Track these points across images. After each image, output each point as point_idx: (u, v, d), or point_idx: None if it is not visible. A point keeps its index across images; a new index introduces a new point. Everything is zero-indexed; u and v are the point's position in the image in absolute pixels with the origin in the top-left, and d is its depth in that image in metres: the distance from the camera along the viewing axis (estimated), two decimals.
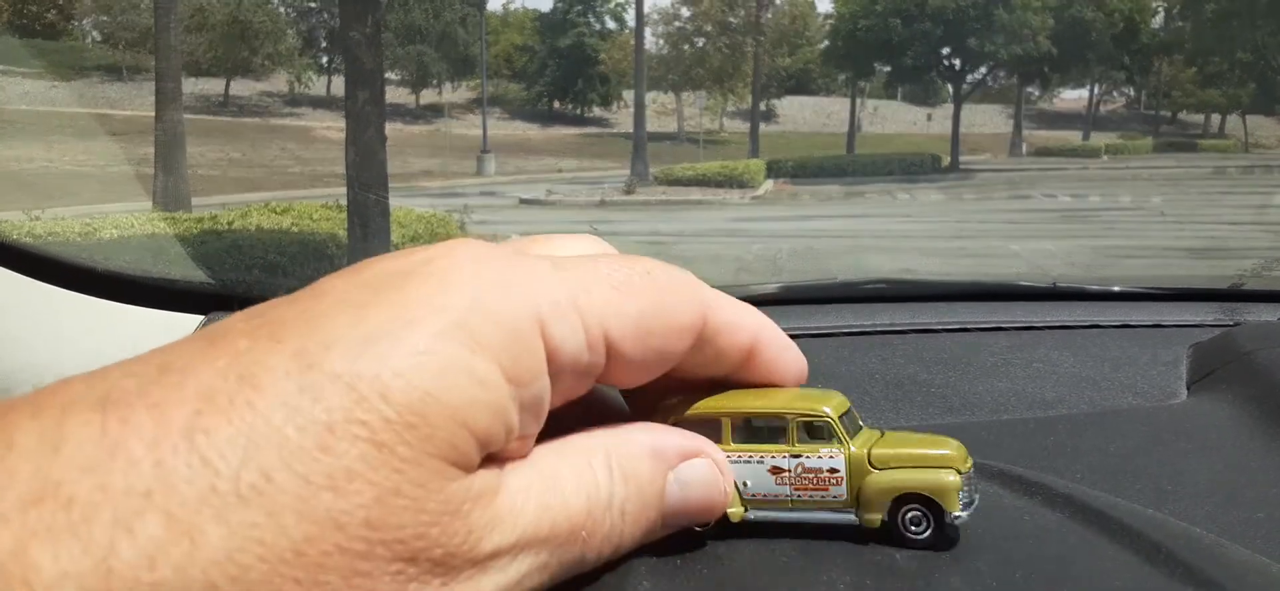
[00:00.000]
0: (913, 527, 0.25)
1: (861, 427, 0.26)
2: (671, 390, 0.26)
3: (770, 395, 0.26)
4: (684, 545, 0.25)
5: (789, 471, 0.25)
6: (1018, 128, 17.20)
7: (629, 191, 10.37)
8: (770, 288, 0.64)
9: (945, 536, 0.25)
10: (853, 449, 0.25)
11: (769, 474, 0.25)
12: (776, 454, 0.25)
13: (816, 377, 0.28)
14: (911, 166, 13.75)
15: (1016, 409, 0.45)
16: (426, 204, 6.24)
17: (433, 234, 4.32)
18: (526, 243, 0.26)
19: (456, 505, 0.20)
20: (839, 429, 0.25)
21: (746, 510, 0.26)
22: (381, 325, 0.20)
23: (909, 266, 5.26)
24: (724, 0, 15.92)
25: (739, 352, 0.26)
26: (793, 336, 0.27)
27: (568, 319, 0.22)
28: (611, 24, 18.47)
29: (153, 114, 4.94)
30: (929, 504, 0.24)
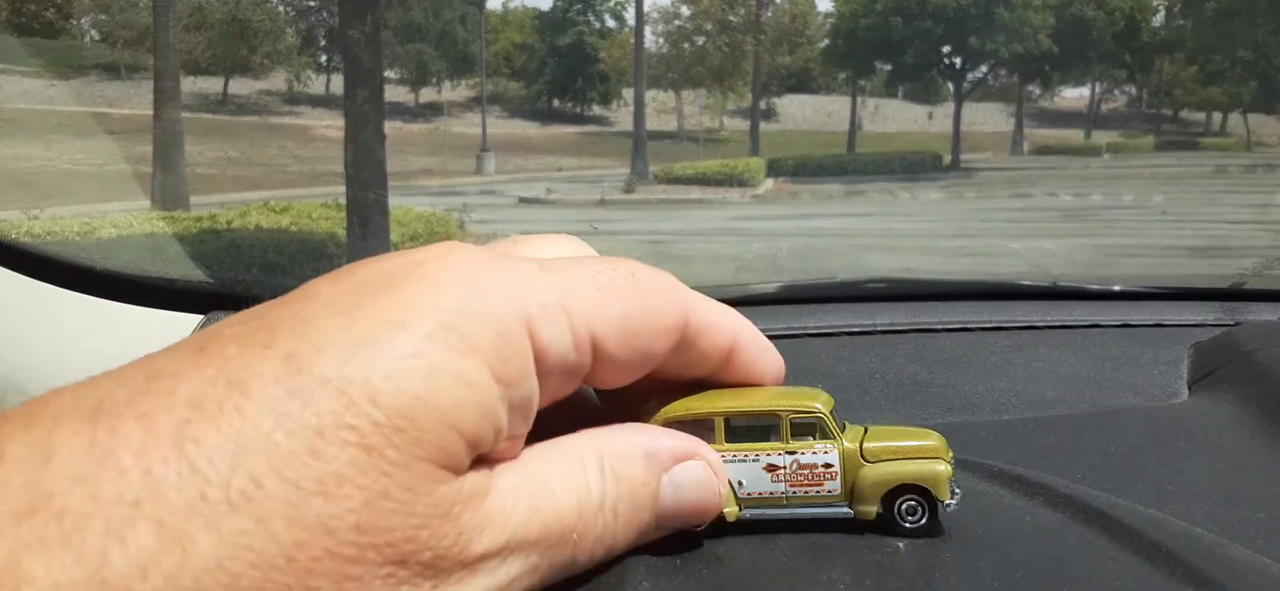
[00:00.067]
0: (908, 517, 0.25)
1: (845, 424, 0.27)
2: (652, 391, 0.26)
3: (756, 394, 0.27)
4: (682, 545, 0.25)
5: (784, 468, 0.26)
6: (1019, 126, 17.19)
7: (629, 190, 10.36)
8: (770, 287, 0.64)
9: (938, 524, 0.26)
10: (846, 444, 0.26)
11: (764, 471, 0.26)
12: (771, 451, 0.26)
13: (817, 377, 0.28)
14: (912, 165, 13.73)
15: (1017, 408, 0.45)
16: (426, 202, 6.24)
17: (432, 233, 4.32)
18: (510, 245, 0.27)
19: (446, 507, 0.20)
20: (832, 424, 0.26)
21: (742, 508, 0.26)
22: (370, 329, 0.20)
23: (909, 265, 5.26)
24: None
25: (719, 353, 0.26)
26: (793, 336, 0.27)
27: (555, 320, 0.22)
28: (611, 22, 18.46)
29: (151, 113, 4.94)
30: (923, 493, 0.25)
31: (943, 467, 0.25)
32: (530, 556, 0.22)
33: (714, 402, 0.26)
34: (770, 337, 0.28)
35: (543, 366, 0.22)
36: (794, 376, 0.29)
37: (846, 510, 0.26)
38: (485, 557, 0.21)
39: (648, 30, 15.33)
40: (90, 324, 0.53)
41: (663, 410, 0.26)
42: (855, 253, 6.13)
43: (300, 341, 0.20)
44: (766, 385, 0.27)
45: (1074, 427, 0.41)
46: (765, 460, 0.26)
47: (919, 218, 8.93)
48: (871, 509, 0.25)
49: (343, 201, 3.72)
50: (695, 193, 10.26)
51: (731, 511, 0.26)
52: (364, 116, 3.56)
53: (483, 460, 0.21)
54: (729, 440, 0.26)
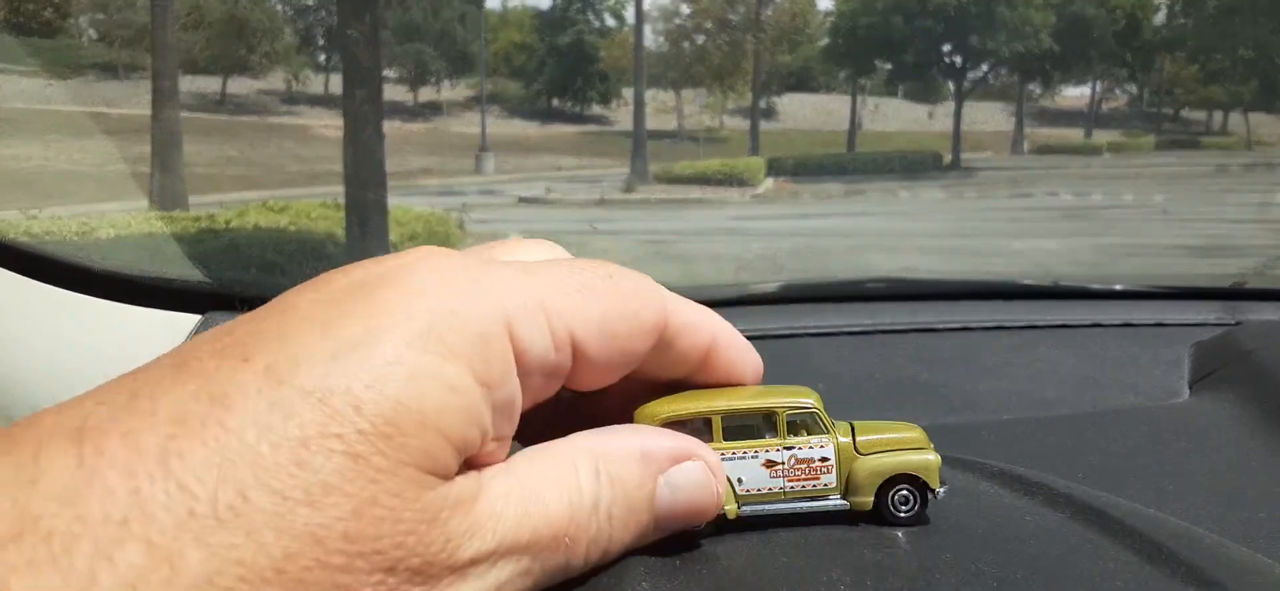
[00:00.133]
0: (902, 507, 0.26)
1: (831, 420, 0.27)
2: (633, 393, 0.26)
3: (745, 392, 0.27)
4: (681, 545, 0.25)
5: (783, 464, 0.26)
6: (1019, 125, 17.18)
7: (628, 189, 10.36)
8: (770, 286, 0.64)
9: (926, 513, 0.27)
10: (840, 438, 0.26)
11: (763, 468, 0.26)
12: (769, 447, 0.26)
13: (817, 377, 0.28)
14: (913, 164, 13.72)
15: (1018, 408, 0.45)
16: (425, 202, 6.24)
17: (431, 232, 4.32)
18: (487, 249, 0.27)
19: (434, 513, 0.20)
20: (825, 419, 0.26)
21: (741, 505, 0.26)
22: (350, 337, 0.20)
23: (910, 265, 5.26)
24: None
25: (698, 353, 0.26)
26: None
27: (535, 320, 0.22)
28: (611, 21, 18.44)
29: (149, 112, 4.93)
30: (915, 483, 0.26)
31: (933, 458, 0.26)
32: (521, 560, 0.22)
33: (711, 401, 0.26)
34: (770, 338, 0.28)
35: (524, 367, 0.22)
36: (795, 376, 0.29)
37: (842, 502, 0.26)
38: (475, 562, 0.21)
39: (647, 29, 15.32)
40: (89, 324, 0.53)
41: (661, 410, 0.26)
42: (855, 252, 6.13)
43: (280, 353, 0.19)
44: (746, 384, 0.28)
45: (1074, 427, 0.41)
46: (764, 456, 0.26)
47: (919, 217, 8.93)
48: (867, 500, 0.26)
49: (342, 201, 3.72)
50: (695, 192, 10.26)
51: (731, 509, 0.26)
52: (363, 116, 3.56)
53: (471, 465, 0.21)
54: (726, 438, 0.26)
